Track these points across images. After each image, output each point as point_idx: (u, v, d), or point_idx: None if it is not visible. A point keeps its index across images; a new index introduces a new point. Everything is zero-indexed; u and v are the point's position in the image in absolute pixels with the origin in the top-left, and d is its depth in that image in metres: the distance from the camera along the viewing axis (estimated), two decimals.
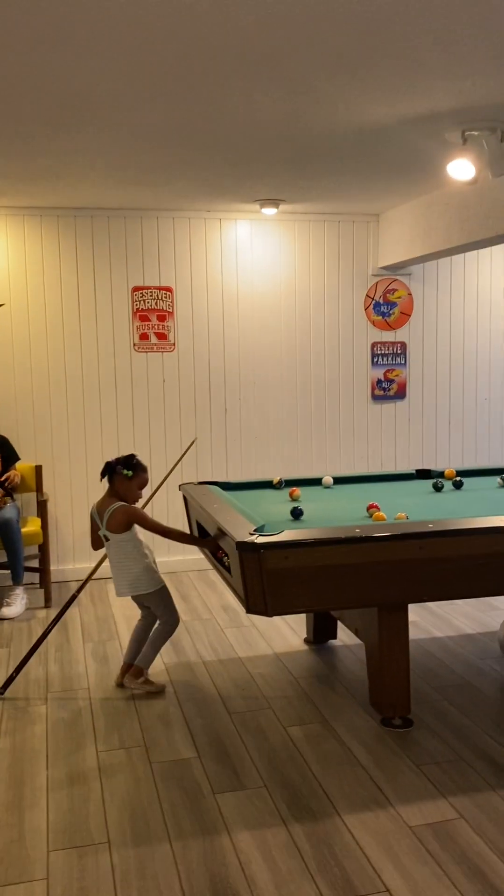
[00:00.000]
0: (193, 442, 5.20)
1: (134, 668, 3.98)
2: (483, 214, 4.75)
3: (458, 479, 4.64)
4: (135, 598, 4.04)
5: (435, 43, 2.75)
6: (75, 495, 6.00)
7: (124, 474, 3.86)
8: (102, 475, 3.92)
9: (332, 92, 3.25)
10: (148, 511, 4.31)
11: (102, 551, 4.10)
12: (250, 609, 3.25)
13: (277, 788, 3.06)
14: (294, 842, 2.72)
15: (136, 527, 3.92)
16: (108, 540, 3.92)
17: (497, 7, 2.48)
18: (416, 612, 4.98)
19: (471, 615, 5.00)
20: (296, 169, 4.63)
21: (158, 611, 3.99)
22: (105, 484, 3.95)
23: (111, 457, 4.03)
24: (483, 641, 4.57)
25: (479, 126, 3.69)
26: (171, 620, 4.01)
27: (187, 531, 4.05)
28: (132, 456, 3.94)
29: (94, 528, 3.99)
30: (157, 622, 4.03)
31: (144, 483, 3.94)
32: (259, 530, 3.35)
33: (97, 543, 4.03)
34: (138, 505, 3.96)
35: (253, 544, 3.17)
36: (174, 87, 3.18)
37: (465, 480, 4.70)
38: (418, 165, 4.56)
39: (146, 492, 4.05)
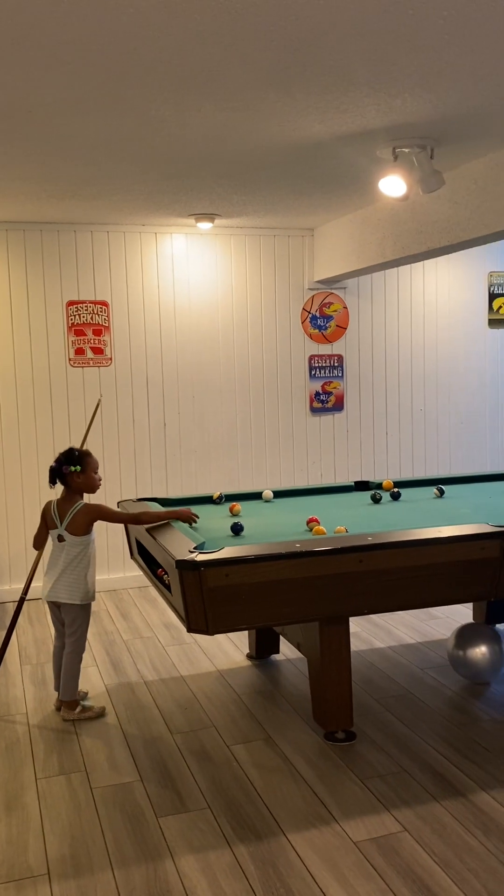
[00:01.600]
0: (99, 402, 5.11)
1: (64, 703, 3.88)
2: (415, 230, 4.83)
3: (396, 490, 4.69)
4: (59, 607, 3.90)
5: (365, 61, 2.79)
6: (10, 515, 5.87)
7: (73, 471, 3.80)
8: (52, 482, 3.85)
9: (265, 108, 3.27)
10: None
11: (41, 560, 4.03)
12: (191, 628, 3.21)
13: (221, 809, 3.02)
14: (238, 863, 2.69)
15: (94, 535, 3.86)
16: (61, 541, 3.83)
17: (425, 26, 2.52)
18: (357, 623, 5.00)
19: (411, 625, 5.05)
20: (230, 184, 4.64)
21: (74, 625, 3.86)
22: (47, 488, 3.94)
23: (47, 474, 3.95)
24: (423, 651, 4.61)
25: (410, 143, 3.75)
26: (82, 641, 3.89)
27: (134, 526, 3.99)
28: (71, 450, 3.88)
29: (46, 526, 3.90)
30: (66, 642, 3.90)
31: (96, 465, 3.91)
32: (199, 548, 3.32)
33: (41, 542, 3.95)
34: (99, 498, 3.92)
35: (193, 562, 3.13)
36: (106, 101, 3.15)
37: (403, 491, 4.75)
38: (352, 181, 4.61)
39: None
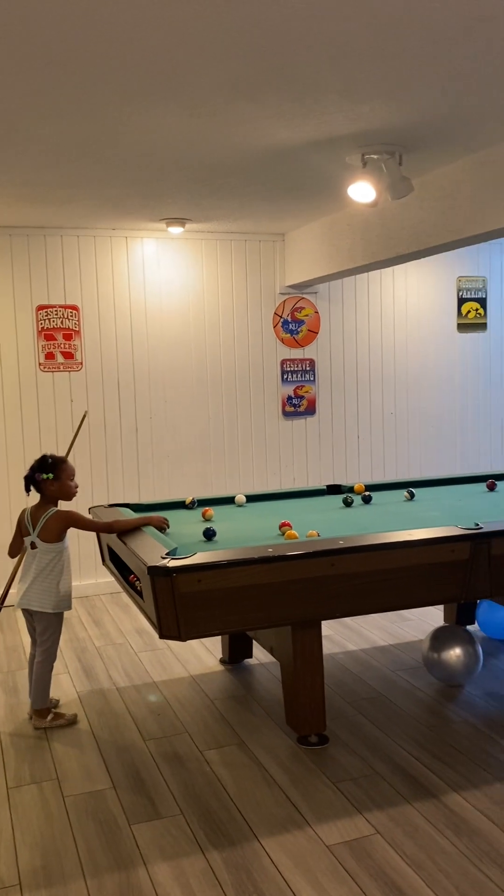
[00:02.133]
0: (85, 414, 5.12)
1: (36, 711, 3.85)
2: (385, 235, 4.86)
3: (367, 493, 4.72)
4: (31, 615, 3.87)
5: (333, 69, 2.81)
6: None
7: (45, 478, 3.77)
8: (27, 489, 3.83)
9: (234, 114, 3.28)
10: None
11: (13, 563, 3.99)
12: (163, 634, 3.20)
13: (194, 815, 3.02)
14: (212, 869, 2.68)
15: (67, 542, 3.83)
16: (34, 548, 3.80)
17: (393, 35, 2.55)
18: (330, 626, 5.02)
19: (383, 627, 5.07)
20: (200, 189, 4.64)
21: (46, 634, 3.82)
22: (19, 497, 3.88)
23: (19, 480, 3.92)
24: (395, 653, 4.64)
25: (378, 150, 3.79)
26: (53, 649, 3.85)
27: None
28: (44, 457, 3.85)
29: (20, 533, 3.88)
30: (37, 651, 3.86)
31: (72, 473, 3.88)
32: (171, 553, 3.31)
33: (16, 549, 3.92)
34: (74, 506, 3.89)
35: (165, 568, 3.13)
36: (75, 106, 3.14)
37: (374, 495, 4.78)
38: (321, 187, 4.64)
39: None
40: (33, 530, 3.78)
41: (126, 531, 3.80)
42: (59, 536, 3.80)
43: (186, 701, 4.08)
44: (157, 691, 4.22)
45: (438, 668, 4.04)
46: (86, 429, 5.99)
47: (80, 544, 5.77)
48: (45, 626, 3.82)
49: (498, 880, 2.57)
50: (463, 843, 2.77)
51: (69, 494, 3.86)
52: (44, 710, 3.83)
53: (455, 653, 3.98)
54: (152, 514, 4.02)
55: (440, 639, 4.05)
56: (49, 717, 3.82)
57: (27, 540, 3.82)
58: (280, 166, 4.12)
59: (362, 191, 3.90)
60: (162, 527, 3.86)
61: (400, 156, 3.84)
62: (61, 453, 4.47)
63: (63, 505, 3.91)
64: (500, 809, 2.97)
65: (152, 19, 2.37)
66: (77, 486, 3.92)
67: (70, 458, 4.08)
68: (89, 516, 4.14)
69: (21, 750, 3.60)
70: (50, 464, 3.80)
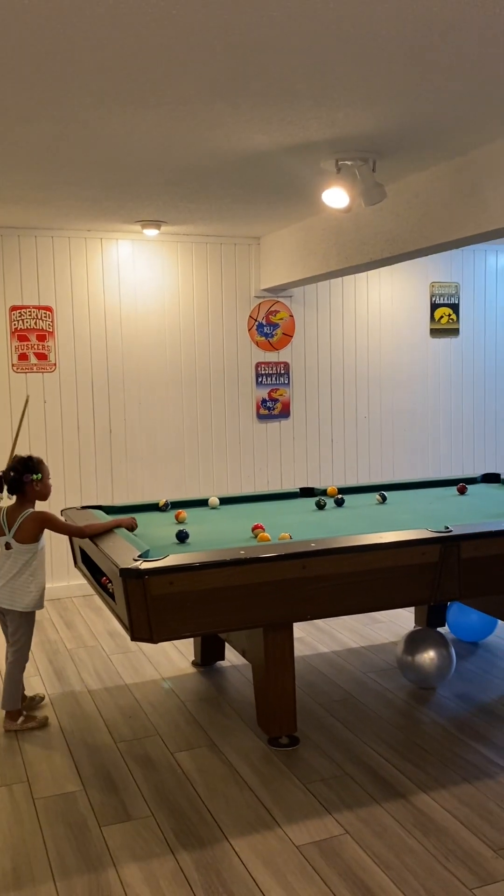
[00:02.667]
0: (27, 400, 5.13)
1: (6, 713, 3.83)
2: (359, 241, 4.91)
3: (340, 496, 4.75)
4: (3, 614, 3.85)
5: (308, 75, 2.84)
6: None
7: (35, 479, 3.78)
8: (11, 491, 3.81)
9: (211, 118, 3.29)
10: None
11: None
12: (135, 637, 3.20)
13: (165, 816, 3.02)
14: (182, 870, 2.69)
15: (43, 544, 3.83)
16: (8, 548, 3.78)
17: (367, 43, 2.58)
18: (301, 628, 5.05)
19: (355, 629, 5.11)
20: (176, 191, 4.65)
21: (18, 632, 3.82)
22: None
23: None
24: (366, 655, 4.68)
25: (352, 156, 3.82)
26: (25, 650, 3.85)
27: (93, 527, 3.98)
28: (30, 458, 3.85)
29: None
30: (9, 650, 3.84)
31: (48, 470, 3.90)
32: (144, 555, 3.31)
33: None
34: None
35: (137, 570, 3.13)
36: (50, 108, 3.13)
37: (346, 498, 4.82)
38: (297, 192, 4.67)
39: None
40: (9, 531, 3.78)
41: (98, 534, 3.80)
42: (35, 537, 3.79)
43: (158, 703, 4.08)
44: (128, 694, 4.21)
45: (412, 670, 4.07)
46: (58, 430, 5.98)
47: (53, 546, 5.73)
48: (17, 626, 3.81)
49: (464, 879, 2.60)
50: (430, 843, 2.81)
51: (48, 493, 3.89)
52: (14, 713, 3.81)
53: (429, 655, 4.02)
54: (122, 517, 4.04)
55: (415, 641, 4.09)
56: (20, 720, 3.80)
57: (2, 540, 3.81)
58: (255, 170, 4.15)
59: (336, 196, 3.93)
60: (131, 526, 3.88)
61: (374, 162, 3.88)
62: (35, 452, 4.44)
63: (38, 505, 3.90)
64: (468, 809, 3.01)
65: (129, 23, 2.38)
66: (51, 485, 3.94)
67: (44, 459, 4.07)
68: (62, 518, 4.14)
69: None
70: (35, 465, 3.81)
